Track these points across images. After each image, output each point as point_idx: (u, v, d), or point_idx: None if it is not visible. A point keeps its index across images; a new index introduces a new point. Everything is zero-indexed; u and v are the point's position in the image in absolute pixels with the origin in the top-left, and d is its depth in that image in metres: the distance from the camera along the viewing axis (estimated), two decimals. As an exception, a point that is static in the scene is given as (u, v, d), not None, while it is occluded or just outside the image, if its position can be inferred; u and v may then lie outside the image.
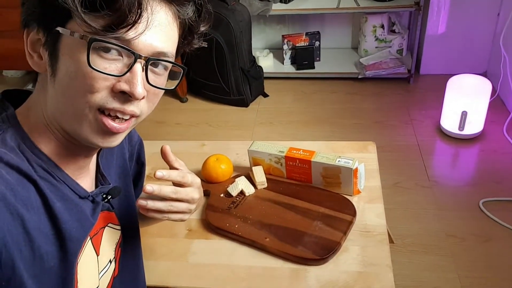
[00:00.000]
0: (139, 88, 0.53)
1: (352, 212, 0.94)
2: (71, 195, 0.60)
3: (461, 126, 2.06)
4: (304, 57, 2.67)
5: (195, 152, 1.19)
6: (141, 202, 0.66)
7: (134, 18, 0.50)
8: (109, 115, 0.55)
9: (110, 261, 0.71)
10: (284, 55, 2.74)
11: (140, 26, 0.51)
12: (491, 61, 2.54)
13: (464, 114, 2.02)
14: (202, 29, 0.61)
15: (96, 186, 0.68)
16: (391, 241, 1.22)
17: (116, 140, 0.58)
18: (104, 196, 0.67)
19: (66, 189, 0.59)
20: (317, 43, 2.72)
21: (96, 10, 0.49)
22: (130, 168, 0.81)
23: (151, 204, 0.67)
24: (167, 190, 0.68)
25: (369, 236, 0.90)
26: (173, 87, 0.61)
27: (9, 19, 2.40)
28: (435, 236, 1.63)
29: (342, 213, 0.94)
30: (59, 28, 0.51)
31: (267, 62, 2.73)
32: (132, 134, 0.82)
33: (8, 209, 0.50)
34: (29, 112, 0.59)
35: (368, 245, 0.88)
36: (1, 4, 2.42)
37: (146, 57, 0.53)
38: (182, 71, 0.61)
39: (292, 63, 2.76)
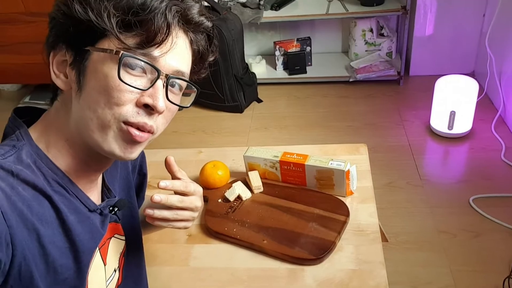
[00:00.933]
0: (161, 102, 0.58)
1: (346, 212, 0.97)
2: (82, 208, 0.63)
3: (450, 126, 2.11)
4: (296, 63, 2.71)
5: (192, 160, 1.21)
6: (148, 211, 0.69)
7: (162, 37, 0.57)
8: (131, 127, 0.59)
9: (115, 270, 0.73)
10: (277, 61, 2.78)
11: (165, 46, 0.58)
12: (478, 61, 2.59)
13: (452, 114, 2.06)
14: (211, 59, 0.69)
15: (102, 199, 0.71)
16: (385, 239, 1.26)
17: (135, 152, 0.61)
18: (111, 208, 0.70)
19: (77, 202, 0.62)
20: (308, 48, 2.77)
21: (129, 30, 0.55)
22: (133, 180, 0.84)
23: (158, 213, 0.70)
24: (174, 199, 0.70)
25: (362, 235, 0.93)
26: (188, 105, 0.66)
27: (5, 34, 2.43)
28: (427, 233, 1.67)
29: (336, 213, 0.97)
30: (89, 48, 0.56)
31: (260, 69, 2.77)
32: None
33: (25, 225, 0.53)
34: (47, 129, 0.62)
35: (362, 243, 0.91)
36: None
37: (167, 74, 0.59)
38: (196, 91, 0.67)
39: (285, 68, 2.80)
